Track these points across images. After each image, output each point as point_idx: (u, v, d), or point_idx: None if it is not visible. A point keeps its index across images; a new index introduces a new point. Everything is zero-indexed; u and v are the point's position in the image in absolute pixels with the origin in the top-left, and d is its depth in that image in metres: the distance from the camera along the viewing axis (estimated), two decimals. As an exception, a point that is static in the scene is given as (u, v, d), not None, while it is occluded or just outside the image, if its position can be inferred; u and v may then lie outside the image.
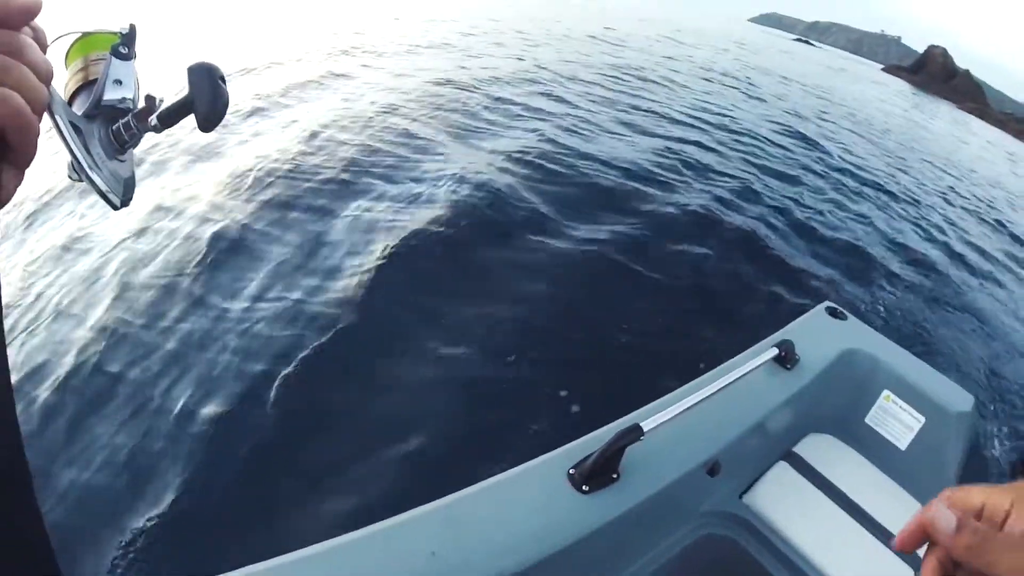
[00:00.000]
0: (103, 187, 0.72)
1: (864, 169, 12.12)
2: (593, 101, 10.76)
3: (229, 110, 0.77)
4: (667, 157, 8.40)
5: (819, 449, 2.26)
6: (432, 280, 4.62)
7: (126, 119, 0.77)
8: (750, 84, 19.83)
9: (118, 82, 0.78)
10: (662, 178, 7.51)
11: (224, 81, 0.78)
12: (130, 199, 0.78)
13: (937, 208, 11.45)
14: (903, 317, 6.21)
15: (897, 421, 2.39)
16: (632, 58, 18.81)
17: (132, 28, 0.80)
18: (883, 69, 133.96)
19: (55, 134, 0.68)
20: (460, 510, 1.36)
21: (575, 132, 8.77)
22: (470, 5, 28.82)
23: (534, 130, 8.61)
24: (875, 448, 2.36)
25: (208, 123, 0.76)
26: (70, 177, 0.74)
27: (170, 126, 0.78)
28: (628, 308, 4.77)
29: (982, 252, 9.81)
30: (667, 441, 1.67)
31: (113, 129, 0.77)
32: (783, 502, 1.99)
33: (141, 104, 0.77)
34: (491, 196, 5.96)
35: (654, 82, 14.85)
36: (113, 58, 0.78)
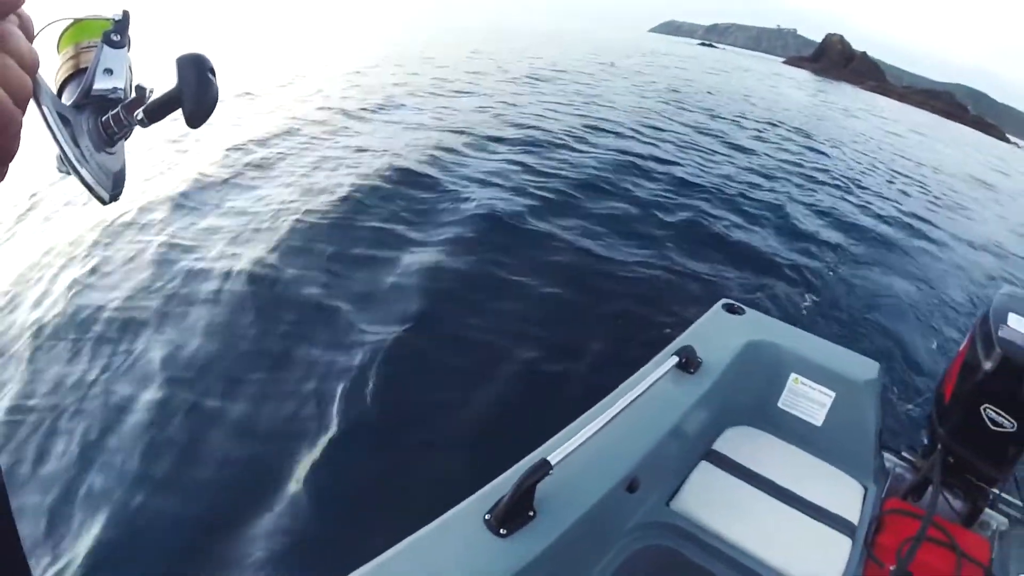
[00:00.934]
0: (90, 181, 0.70)
1: (760, 162, 12.85)
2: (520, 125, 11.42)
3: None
4: (552, 173, 8.67)
5: (738, 441, 2.33)
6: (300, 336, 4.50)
7: (116, 110, 0.74)
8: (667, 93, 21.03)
9: (108, 71, 0.75)
10: (541, 195, 7.66)
11: (214, 74, 0.75)
12: (119, 194, 0.76)
13: (826, 187, 12.19)
14: (799, 300, 6.50)
15: (809, 400, 2.48)
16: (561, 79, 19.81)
17: (125, 14, 0.77)
18: (785, 62, 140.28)
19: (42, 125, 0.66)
20: (382, 574, 1.36)
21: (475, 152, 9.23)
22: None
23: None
24: (792, 429, 2.45)
25: (196, 118, 0.74)
26: (58, 170, 0.71)
27: (157, 121, 0.76)
28: (518, 334, 4.74)
29: (872, 222, 10.55)
30: (580, 468, 1.68)
31: (102, 120, 0.74)
32: (711, 500, 2.04)
33: (133, 95, 0.75)
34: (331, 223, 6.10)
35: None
36: (104, 46, 0.75)
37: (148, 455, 3.44)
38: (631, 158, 10.40)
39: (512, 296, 5.20)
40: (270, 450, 3.55)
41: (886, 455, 2.56)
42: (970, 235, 12.04)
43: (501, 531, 1.46)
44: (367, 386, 3.99)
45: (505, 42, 27.66)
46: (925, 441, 2.50)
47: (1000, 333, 2.15)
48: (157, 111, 0.74)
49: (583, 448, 1.60)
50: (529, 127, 11.42)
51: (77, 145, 0.69)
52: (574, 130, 11.79)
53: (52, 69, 0.75)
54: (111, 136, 0.75)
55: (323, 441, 3.59)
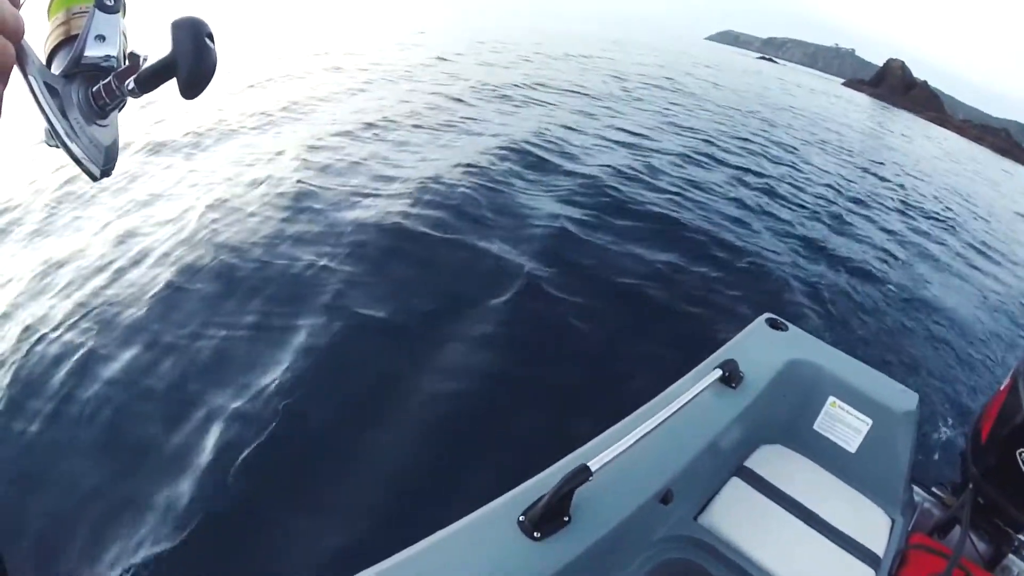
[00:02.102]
0: (80, 156, 0.69)
1: (818, 183, 13.18)
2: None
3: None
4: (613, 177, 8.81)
5: (770, 460, 2.35)
6: (372, 332, 4.58)
7: (108, 80, 0.72)
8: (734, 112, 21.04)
9: (101, 37, 0.73)
10: (594, 202, 7.74)
11: (212, 39, 0.73)
12: (111, 169, 0.75)
13: (881, 213, 12.42)
14: (844, 322, 6.56)
15: (845, 425, 2.50)
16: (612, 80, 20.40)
17: None
18: (844, 83, 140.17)
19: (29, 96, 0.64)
20: (409, 570, 1.36)
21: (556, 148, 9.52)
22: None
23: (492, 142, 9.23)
24: (825, 453, 2.46)
25: (191, 88, 0.71)
26: (47, 144, 0.71)
27: (149, 90, 0.74)
28: (562, 338, 4.88)
29: (921, 252, 10.64)
30: (617, 476, 1.69)
31: (93, 91, 0.73)
32: (738, 517, 2.06)
33: (126, 63, 0.73)
34: (397, 229, 5.99)
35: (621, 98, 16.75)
36: (97, 10, 0.73)
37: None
38: (691, 165, 10.87)
39: (555, 301, 5.30)
40: (327, 435, 3.66)
41: (916, 489, 2.60)
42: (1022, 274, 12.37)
43: (535, 534, 1.48)
44: (421, 382, 4.10)
45: (553, 48, 26.80)
46: (957, 479, 2.53)
47: None
48: (149, 80, 0.72)
49: (621, 456, 1.61)
50: (593, 143, 11.21)
51: (66, 117, 0.69)
52: (637, 143, 11.80)
53: (42, 36, 0.74)
54: (102, 107, 0.73)
55: (377, 425, 3.70)
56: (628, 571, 1.81)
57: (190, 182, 6.84)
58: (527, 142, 9.45)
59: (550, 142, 9.83)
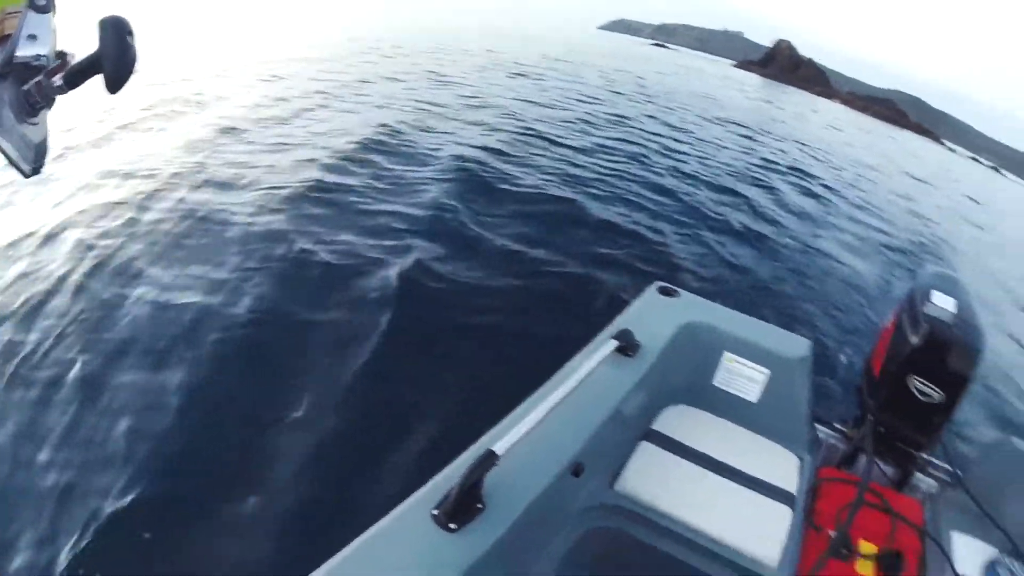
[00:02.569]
0: (12, 154, 0.71)
1: (705, 158, 13.82)
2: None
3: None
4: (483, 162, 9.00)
5: (676, 421, 2.42)
6: (259, 341, 4.53)
7: (38, 78, 0.76)
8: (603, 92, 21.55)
9: (32, 37, 0.76)
10: (471, 182, 8.02)
11: (132, 36, 0.77)
12: (42, 166, 0.80)
13: (766, 180, 13.24)
14: (734, 283, 6.92)
15: (744, 378, 2.59)
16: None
17: None
18: (735, 65, 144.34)
19: None
20: None
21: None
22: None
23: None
24: (729, 407, 2.56)
25: (115, 83, 0.76)
26: None
27: (76, 86, 0.78)
28: (453, 329, 4.88)
29: (805, 213, 11.48)
30: (525, 456, 1.69)
31: (24, 89, 0.76)
32: (653, 479, 2.13)
33: (57, 61, 0.78)
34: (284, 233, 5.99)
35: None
36: (29, 11, 0.75)
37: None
38: (579, 149, 11.32)
39: (450, 290, 5.37)
40: (219, 455, 3.58)
41: (819, 427, 2.73)
42: (899, 223, 13.81)
43: (450, 526, 1.48)
44: (306, 390, 4.04)
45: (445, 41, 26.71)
46: (856, 413, 2.67)
47: (926, 310, 2.30)
48: (77, 76, 0.78)
49: (527, 436, 1.62)
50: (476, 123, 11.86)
51: None
52: (524, 129, 12.25)
53: None
54: (33, 106, 0.77)
55: (266, 445, 3.61)
56: (551, 548, 1.86)
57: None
58: (377, 136, 9.64)
59: (406, 139, 9.90)
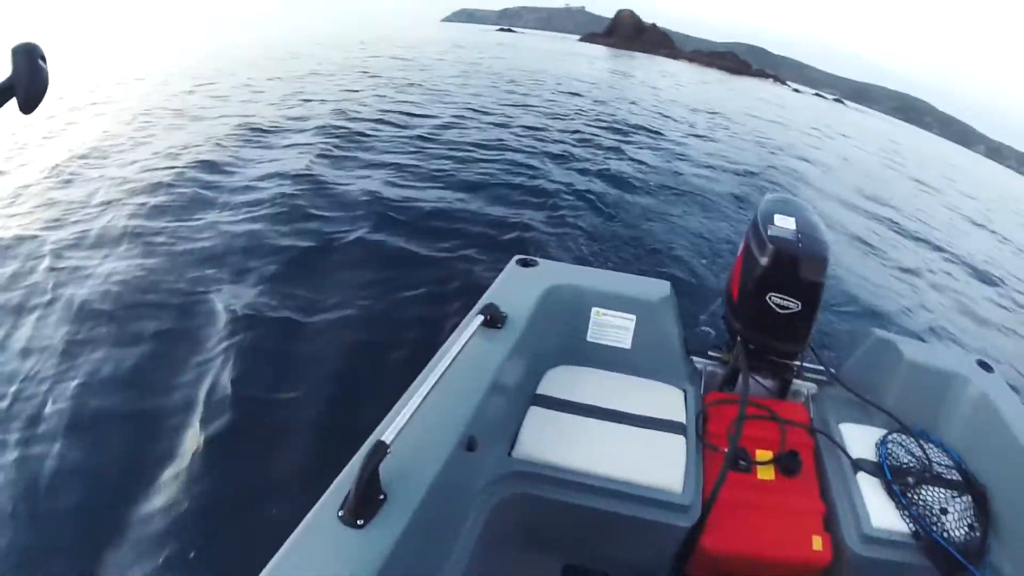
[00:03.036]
0: None
1: (556, 127, 14.38)
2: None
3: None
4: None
5: (559, 381, 2.53)
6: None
7: None
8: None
9: None
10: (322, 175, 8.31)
11: (45, 60, 0.83)
12: None
13: (609, 139, 13.82)
14: (588, 245, 7.13)
15: (614, 328, 2.72)
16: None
17: None
18: (581, 39, 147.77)
19: None
20: None
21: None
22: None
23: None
24: (606, 358, 2.68)
25: (28, 104, 0.81)
26: None
27: None
28: (325, 329, 4.89)
29: (647, 166, 11.86)
30: (416, 440, 1.73)
31: None
32: (549, 439, 2.20)
33: None
34: None
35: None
36: None
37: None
38: (428, 139, 11.52)
39: (315, 293, 5.37)
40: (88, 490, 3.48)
41: (695, 359, 2.84)
42: (740, 159, 14.72)
43: (358, 522, 1.49)
44: (191, 412, 3.98)
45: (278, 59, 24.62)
46: (726, 339, 2.84)
47: (769, 232, 2.45)
48: None
49: (414, 421, 1.64)
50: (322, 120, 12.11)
51: None
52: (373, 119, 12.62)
53: None
54: None
55: (149, 476, 3.51)
56: (466, 525, 1.89)
57: None
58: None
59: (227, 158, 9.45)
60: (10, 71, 0.82)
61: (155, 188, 7.77)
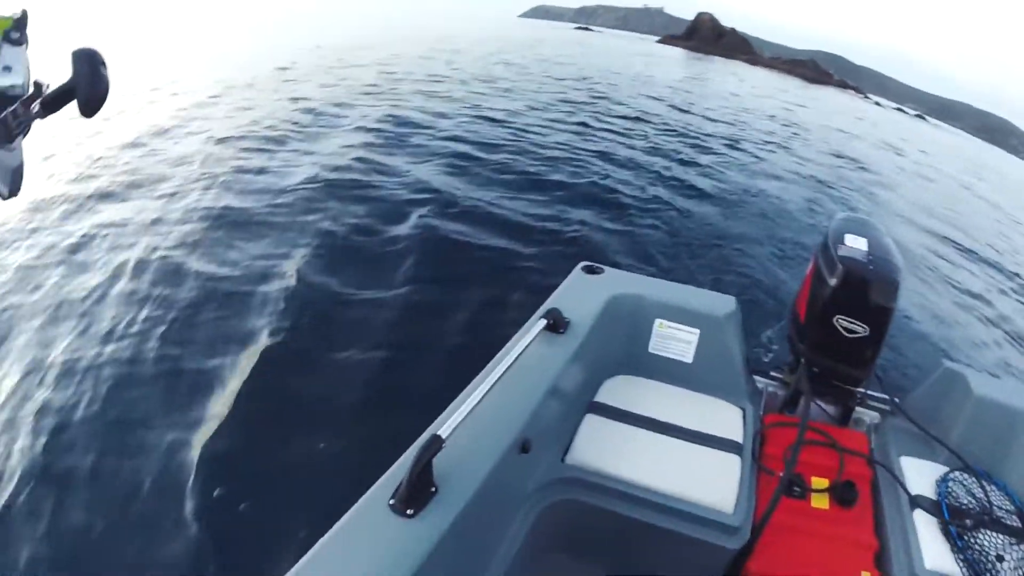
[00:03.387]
0: None
1: (632, 132, 14.32)
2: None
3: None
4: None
5: (618, 390, 2.52)
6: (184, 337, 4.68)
7: (14, 107, 0.80)
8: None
9: (7, 68, 0.82)
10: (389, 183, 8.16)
11: (105, 66, 0.84)
12: (18, 190, 0.85)
13: (671, 148, 13.48)
14: (655, 254, 7.09)
15: (676, 341, 2.68)
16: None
17: (24, 13, 0.83)
18: (659, 41, 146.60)
19: None
20: None
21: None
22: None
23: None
24: (666, 370, 2.65)
25: (89, 108, 0.82)
26: None
27: (52, 112, 0.84)
28: (388, 329, 4.93)
29: (721, 176, 11.65)
30: (471, 437, 1.75)
31: (1, 118, 0.81)
32: (603, 448, 2.19)
33: (31, 91, 0.82)
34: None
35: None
36: (4, 43, 0.81)
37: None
38: (510, 139, 11.54)
39: (380, 289, 5.46)
40: (144, 466, 3.59)
41: (757, 378, 2.79)
42: (815, 173, 14.34)
43: (408, 512, 1.52)
44: (248, 392, 4.10)
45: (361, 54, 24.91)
46: (790, 359, 2.74)
47: (840, 252, 2.38)
48: (52, 103, 0.84)
49: (471, 418, 1.67)
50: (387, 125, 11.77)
51: None
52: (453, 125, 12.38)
53: None
54: (10, 132, 0.82)
55: (209, 455, 3.63)
56: (513, 525, 1.91)
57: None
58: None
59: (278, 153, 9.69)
60: (71, 74, 0.85)
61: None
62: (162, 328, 4.74)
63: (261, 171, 8.44)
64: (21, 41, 0.84)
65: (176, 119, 11.31)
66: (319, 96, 14.26)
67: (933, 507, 2.11)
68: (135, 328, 4.75)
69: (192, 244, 6.12)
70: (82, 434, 3.84)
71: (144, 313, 4.93)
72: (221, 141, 9.81)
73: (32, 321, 4.92)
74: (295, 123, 11.16)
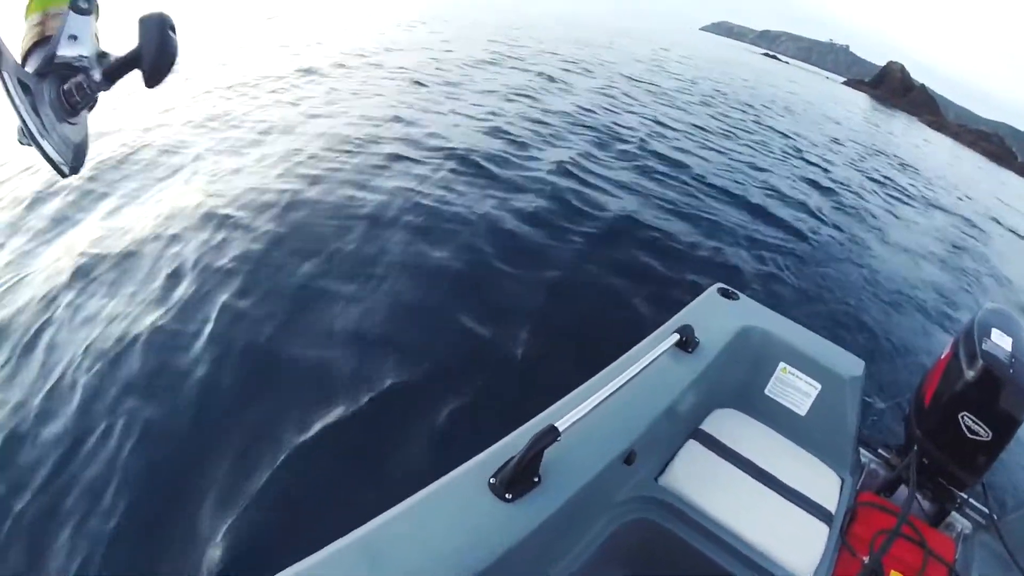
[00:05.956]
0: (52, 154, 0.72)
1: (803, 171, 14.11)
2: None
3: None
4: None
5: (725, 423, 2.49)
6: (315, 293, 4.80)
7: (78, 78, 0.78)
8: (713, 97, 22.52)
9: (73, 37, 0.78)
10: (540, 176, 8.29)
11: (174, 31, 0.80)
12: (80, 165, 0.81)
13: (852, 199, 13.24)
14: (792, 292, 6.95)
15: (795, 390, 2.65)
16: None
17: None
18: (844, 83, 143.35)
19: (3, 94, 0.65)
20: (379, 538, 1.38)
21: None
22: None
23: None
24: (777, 417, 2.62)
25: (153, 77, 0.78)
26: (20, 142, 0.74)
27: (116, 81, 0.81)
28: (524, 306, 5.03)
29: (874, 229, 11.37)
30: (583, 437, 1.75)
31: (64, 89, 0.78)
32: (696, 478, 2.17)
33: (97, 63, 0.79)
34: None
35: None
36: (71, 12, 0.78)
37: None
38: (664, 154, 11.48)
39: (521, 272, 5.58)
40: (266, 412, 3.73)
41: (863, 450, 2.75)
42: (972, 258, 13.05)
43: (507, 496, 1.53)
44: (374, 354, 4.21)
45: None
46: (901, 440, 2.70)
47: (984, 346, 2.29)
48: (115, 72, 0.81)
49: (586, 418, 1.66)
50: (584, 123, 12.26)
51: (38, 115, 0.73)
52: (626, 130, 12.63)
53: (19, 37, 0.79)
54: (74, 106, 0.80)
55: (328, 404, 3.73)
56: (594, 532, 1.92)
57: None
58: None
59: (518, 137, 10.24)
60: (137, 40, 0.83)
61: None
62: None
63: (504, 161, 8.87)
64: (89, 10, 0.85)
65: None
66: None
67: None
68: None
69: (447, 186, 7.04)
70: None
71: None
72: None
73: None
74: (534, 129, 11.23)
